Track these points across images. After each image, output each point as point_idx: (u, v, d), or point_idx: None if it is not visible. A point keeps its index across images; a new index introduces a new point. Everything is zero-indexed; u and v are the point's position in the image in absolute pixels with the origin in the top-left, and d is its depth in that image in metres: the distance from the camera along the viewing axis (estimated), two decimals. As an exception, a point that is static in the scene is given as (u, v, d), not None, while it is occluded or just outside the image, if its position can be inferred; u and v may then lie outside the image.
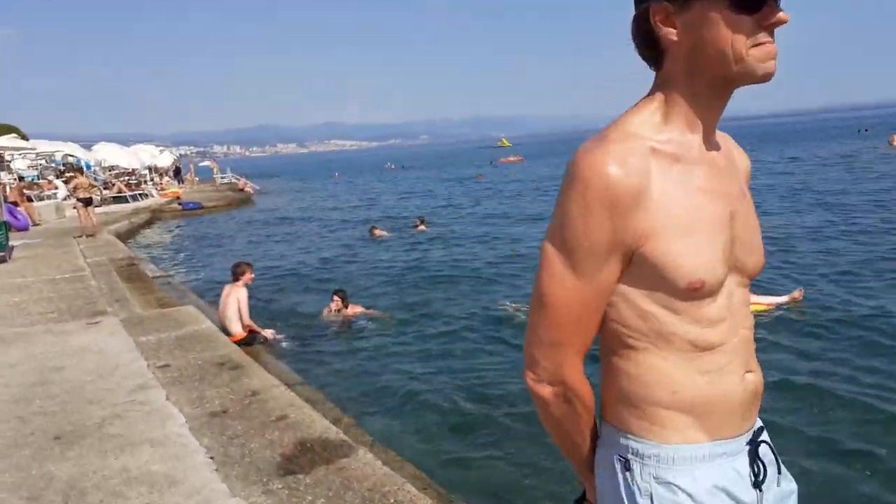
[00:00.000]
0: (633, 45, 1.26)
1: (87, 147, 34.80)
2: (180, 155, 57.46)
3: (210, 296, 12.78)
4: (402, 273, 13.78)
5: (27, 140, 35.59)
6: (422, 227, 19.07)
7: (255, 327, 8.62)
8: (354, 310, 10.06)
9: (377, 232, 18.76)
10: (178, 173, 43.45)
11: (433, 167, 74.78)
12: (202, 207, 29.99)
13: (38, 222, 22.54)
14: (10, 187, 25.32)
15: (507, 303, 10.10)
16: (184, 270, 16.03)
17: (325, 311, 10.03)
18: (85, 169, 36.48)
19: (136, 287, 10.96)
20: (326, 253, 17.14)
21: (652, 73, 1.26)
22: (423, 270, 13.87)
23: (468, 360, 8.13)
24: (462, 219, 22.42)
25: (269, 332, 8.83)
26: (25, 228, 21.07)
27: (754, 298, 8.71)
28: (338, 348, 9.03)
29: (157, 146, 41.95)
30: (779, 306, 8.79)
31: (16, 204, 22.44)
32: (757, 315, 8.56)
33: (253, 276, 8.80)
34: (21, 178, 28.83)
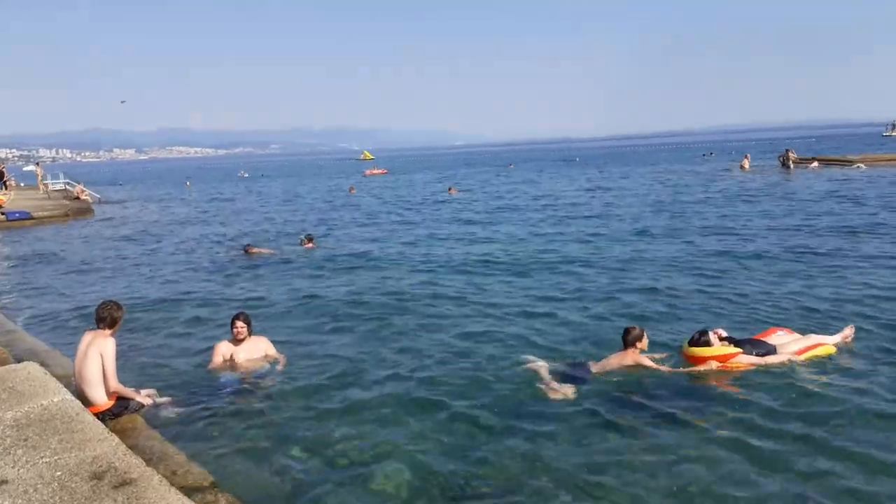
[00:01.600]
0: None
1: None
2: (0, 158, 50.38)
3: (52, 337, 10.10)
4: (301, 301, 11.71)
5: None
6: (309, 245, 16.89)
7: (126, 391, 6.33)
8: (258, 346, 8.01)
9: (254, 250, 16.36)
10: (0, 178, 37.63)
11: (295, 177, 71.41)
12: (31, 218, 25.70)
13: None
14: None
15: (534, 357, 7.93)
16: (13, 300, 12.88)
17: (222, 349, 7.86)
18: None
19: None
20: (195, 276, 14.58)
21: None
22: (326, 298, 11.87)
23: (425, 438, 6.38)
24: (349, 235, 20.42)
25: (145, 395, 6.57)
26: None
27: (823, 339, 7.71)
28: (246, 404, 6.95)
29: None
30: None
31: None
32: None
33: (121, 322, 6.49)
34: None
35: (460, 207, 28.49)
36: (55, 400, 5.23)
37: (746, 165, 43.49)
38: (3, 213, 25.51)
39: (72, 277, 15.03)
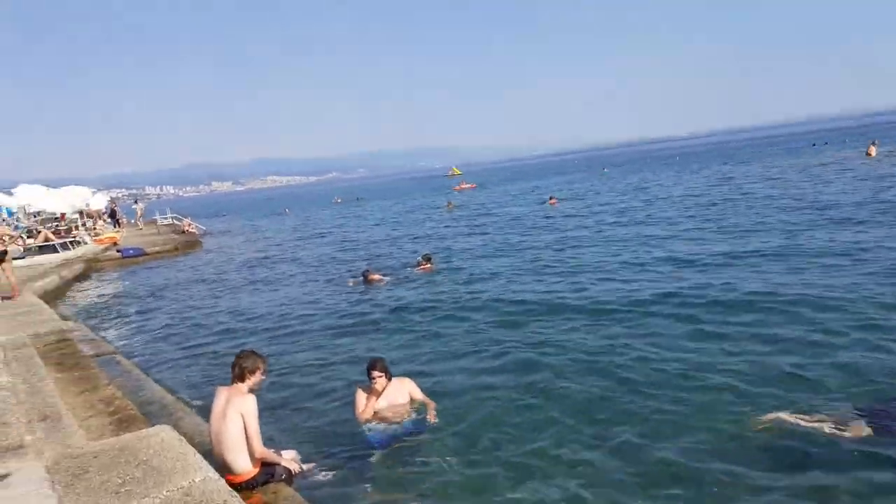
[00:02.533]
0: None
1: (7, 191, 30.44)
2: (111, 198, 52.88)
3: (172, 378, 9.48)
4: (433, 329, 10.70)
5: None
6: (427, 267, 15.94)
7: (272, 456, 5.40)
8: (401, 390, 6.95)
9: (374, 277, 15.50)
10: (113, 216, 39.16)
11: (389, 198, 71.71)
12: (145, 254, 26.17)
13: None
14: None
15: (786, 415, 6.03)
16: (134, 341, 12.50)
17: (363, 399, 6.84)
18: (6, 216, 32.10)
19: (71, 381, 7.59)
20: (315, 307, 13.87)
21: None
22: (461, 325, 10.84)
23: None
24: (465, 253, 19.36)
25: (290, 459, 5.62)
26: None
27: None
28: (398, 462, 5.93)
29: (90, 189, 37.63)
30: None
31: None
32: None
33: (265, 376, 5.57)
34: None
35: (576, 216, 27.05)
36: (196, 480, 4.32)
37: (873, 152, 39.82)
38: (118, 251, 26.08)
39: (187, 314, 14.65)
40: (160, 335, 12.76)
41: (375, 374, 6.75)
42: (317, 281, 17.28)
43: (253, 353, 5.48)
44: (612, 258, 15.68)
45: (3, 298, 13.50)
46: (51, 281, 18.57)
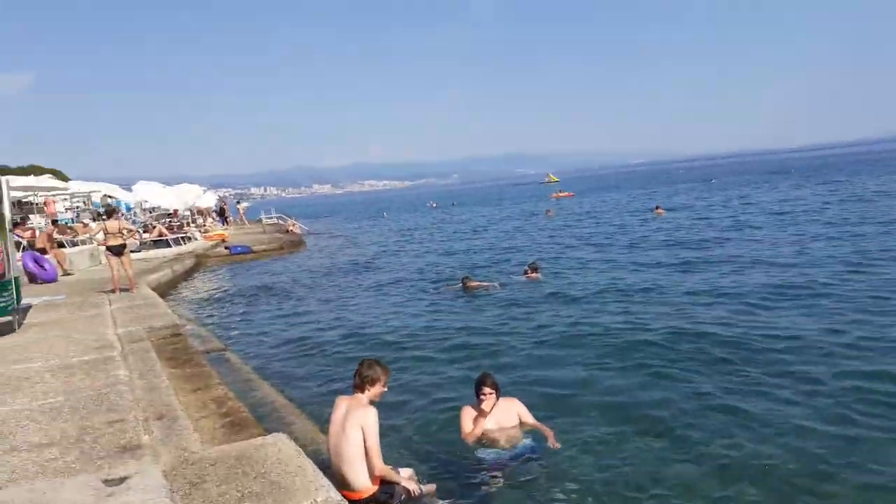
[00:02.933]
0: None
1: (127, 187, 32.09)
2: (220, 197, 55.10)
3: (281, 382, 9.31)
4: (542, 341, 10.12)
5: (67, 181, 33.10)
6: (535, 276, 15.35)
7: (392, 474, 4.99)
8: (510, 412, 6.39)
9: (473, 284, 15.07)
10: (222, 214, 40.67)
11: (485, 204, 71.44)
12: (251, 251, 26.84)
13: (68, 271, 19.51)
14: (40, 231, 22.45)
15: None
16: (242, 338, 12.55)
17: (470, 418, 6.33)
18: (124, 210, 33.90)
19: (184, 378, 7.48)
20: (415, 312, 13.57)
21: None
22: (572, 336, 10.22)
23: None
24: (570, 261, 18.61)
25: (407, 478, 5.19)
26: (52, 279, 17.99)
27: None
28: (515, 487, 5.41)
29: (201, 187, 39.27)
30: None
31: (44, 251, 19.47)
32: None
33: (386, 387, 5.19)
34: (55, 222, 26.09)
35: (689, 228, 25.71)
36: (319, 500, 3.94)
37: None
38: (226, 248, 26.87)
39: (292, 315, 14.67)
40: (267, 334, 12.77)
41: (486, 390, 6.22)
42: (417, 286, 17.02)
43: (375, 362, 5.11)
44: (746, 278, 14.49)
45: (121, 290, 13.91)
46: (164, 275, 19.19)
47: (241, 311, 15.49)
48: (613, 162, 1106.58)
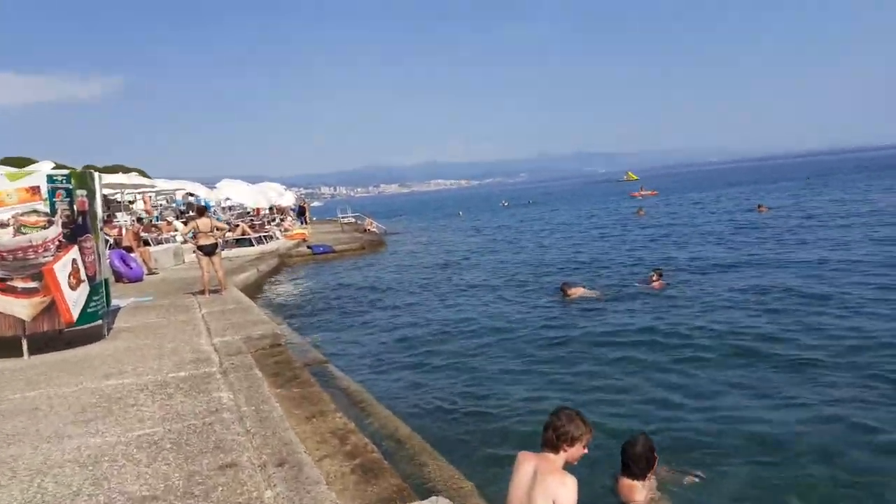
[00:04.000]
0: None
1: (210, 186, 32.00)
2: (299, 195, 55.15)
3: (393, 399, 8.18)
4: (685, 367, 8.65)
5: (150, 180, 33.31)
6: (658, 284, 13.77)
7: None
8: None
9: (573, 291, 13.61)
10: (301, 213, 40.40)
11: (561, 203, 69.44)
12: (333, 251, 26.12)
13: (153, 270, 19.12)
14: (126, 229, 22.27)
15: None
16: (337, 346, 11.52)
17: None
18: (206, 209, 33.80)
19: (294, 402, 6.42)
20: (507, 323, 12.21)
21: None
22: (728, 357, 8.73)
23: None
24: (688, 266, 16.85)
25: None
26: (139, 278, 17.56)
27: None
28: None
29: (281, 186, 39.13)
30: None
31: (129, 249, 19.12)
32: None
33: (587, 449, 3.89)
34: (139, 220, 26.08)
35: (803, 227, 23.52)
36: None
37: None
38: (308, 247, 26.23)
39: (383, 320, 13.62)
40: (362, 343, 11.72)
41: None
42: (511, 291, 15.69)
43: (577, 415, 3.84)
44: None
45: (211, 292, 13.15)
46: (250, 275, 18.53)
47: (331, 315, 14.54)
48: (688, 160, 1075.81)
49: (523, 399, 7.88)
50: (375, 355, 10.78)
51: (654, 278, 13.86)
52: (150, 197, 28.19)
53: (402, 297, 16.07)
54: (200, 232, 12.69)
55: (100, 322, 9.43)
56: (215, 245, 12.93)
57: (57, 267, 8.42)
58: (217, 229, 13.19)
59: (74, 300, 8.77)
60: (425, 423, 7.27)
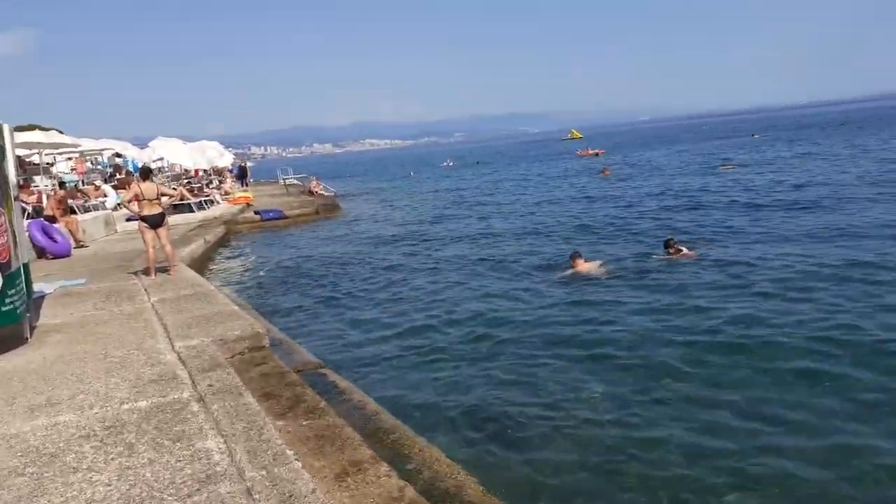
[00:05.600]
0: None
1: (141, 145, 28.80)
2: (236, 155, 51.68)
3: (421, 419, 6.39)
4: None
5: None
6: (682, 253, 12.15)
7: None
8: None
9: (583, 265, 11.98)
10: (243, 175, 37.41)
11: (510, 163, 67.77)
12: (285, 217, 23.75)
13: (81, 242, 16.52)
14: (48, 196, 19.36)
15: None
16: (319, 340, 9.56)
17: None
18: (133, 171, 30.59)
19: (312, 445, 4.59)
20: (509, 304, 10.57)
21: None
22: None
23: None
24: (721, 232, 15.24)
25: None
26: (66, 253, 15.04)
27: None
28: None
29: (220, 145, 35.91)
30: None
31: (53, 220, 16.40)
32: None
33: None
34: (62, 185, 22.94)
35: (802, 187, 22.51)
36: None
37: None
38: (256, 213, 23.78)
39: (363, 300, 11.76)
40: (347, 335, 9.84)
41: None
42: (502, 263, 13.94)
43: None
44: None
45: (158, 271, 10.88)
46: (196, 247, 16.19)
47: (299, 296, 12.50)
48: (618, 120, 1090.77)
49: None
50: (368, 348, 8.95)
51: (674, 249, 12.25)
52: (84, 158, 24.98)
53: (380, 273, 14.13)
54: (145, 199, 10.35)
55: (19, 322, 7.17)
56: (162, 215, 10.63)
57: (-46, 254, 6.15)
58: (164, 196, 10.85)
59: (-18, 296, 6.52)
60: (481, 458, 5.50)
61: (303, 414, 5.29)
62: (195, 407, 5.03)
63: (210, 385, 5.49)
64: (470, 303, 10.83)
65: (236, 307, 8.38)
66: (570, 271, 12.10)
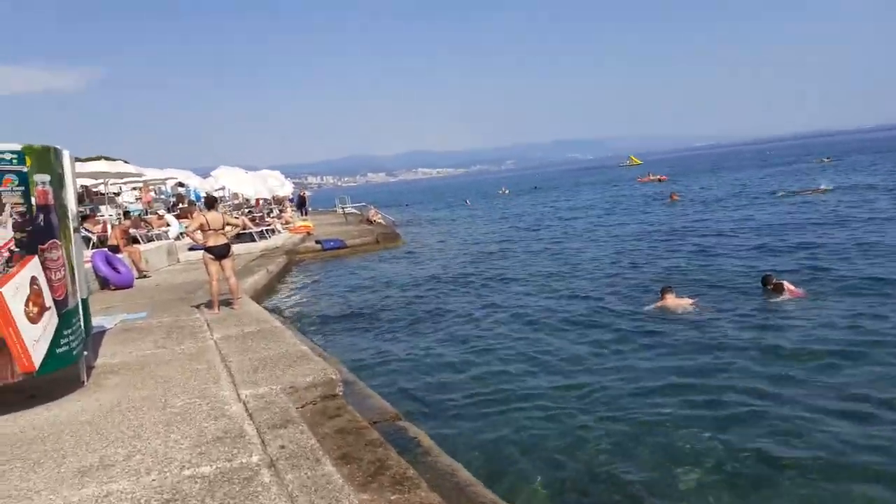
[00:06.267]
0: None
1: (203, 175, 28.93)
2: (296, 184, 52.06)
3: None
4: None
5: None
6: (791, 289, 10.97)
7: None
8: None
9: (674, 301, 10.93)
10: (302, 204, 37.36)
11: (569, 189, 66.52)
12: (345, 246, 23.27)
13: (144, 272, 16.25)
14: (112, 226, 19.31)
15: None
16: (394, 385, 8.75)
17: None
18: (195, 200, 30.81)
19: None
20: (592, 341, 9.59)
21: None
22: None
23: None
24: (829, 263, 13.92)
25: None
26: (128, 284, 14.73)
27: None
28: None
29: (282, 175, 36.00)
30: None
31: (116, 249, 16.20)
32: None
33: None
34: (127, 214, 23.03)
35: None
36: None
37: None
38: (317, 242, 23.35)
39: (435, 338, 10.93)
40: (416, 371, 9.05)
41: None
42: (584, 296, 12.98)
43: None
44: None
45: (222, 305, 10.31)
46: (259, 278, 15.73)
47: (364, 333, 11.76)
48: (674, 146, 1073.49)
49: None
50: (443, 394, 8.08)
51: (773, 284, 11.06)
52: (149, 188, 25.08)
53: (448, 308, 13.29)
54: (211, 229, 9.83)
55: (75, 363, 6.59)
56: (228, 246, 10.09)
57: (6, 291, 5.59)
58: (229, 226, 10.32)
59: (36, 337, 5.93)
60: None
61: (389, 485, 4.46)
62: (266, 477, 4.25)
63: (282, 447, 4.72)
64: (551, 343, 9.90)
65: (305, 347, 7.65)
66: (656, 305, 11.08)
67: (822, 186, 30.89)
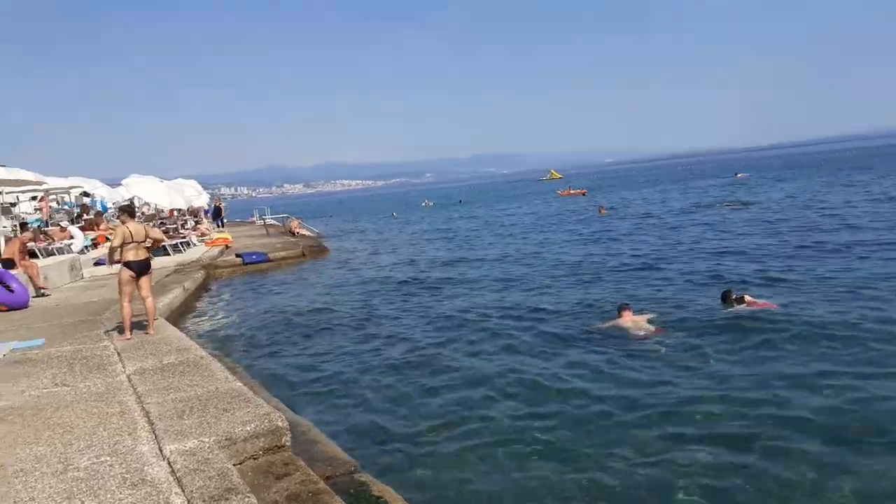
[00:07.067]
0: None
1: (114, 184, 26.69)
2: (213, 194, 49.62)
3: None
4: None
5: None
6: (752, 301, 10.58)
7: None
8: None
9: (631, 318, 10.39)
10: (217, 215, 35.34)
11: (491, 203, 66.47)
12: (269, 260, 21.83)
13: (42, 289, 14.48)
14: (7, 239, 17.25)
15: None
16: (340, 423, 7.71)
17: None
18: (102, 211, 28.50)
19: None
20: (554, 366, 8.91)
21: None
22: None
23: None
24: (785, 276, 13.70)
25: None
26: (23, 304, 13.00)
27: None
28: None
29: (198, 183, 33.85)
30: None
31: (11, 264, 14.37)
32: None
33: None
34: (24, 226, 20.78)
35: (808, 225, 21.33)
36: None
37: None
38: (237, 255, 21.81)
39: (379, 363, 9.92)
40: (364, 404, 8.06)
41: None
42: (526, 313, 12.29)
43: None
44: None
45: (134, 327, 8.98)
46: (175, 297, 14.25)
47: (298, 358, 10.61)
48: (583, 161, 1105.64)
49: None
50: (398, 431, 7.13)
51: (733, 299, 10.76)
52: (46, 197, 22.83)
53: (387, 325, 12.32)
54: (134, 241, 8.51)
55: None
56: (148, 262, 8.79)
57: None
58: (148, 239, 8.99)
59: None
60: None
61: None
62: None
63: (224, 526, 3.67)
64: (502, 366, 9.09)
65: (239, 384, 6.51)
66: (611, 323, 10.51)
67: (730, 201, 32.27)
